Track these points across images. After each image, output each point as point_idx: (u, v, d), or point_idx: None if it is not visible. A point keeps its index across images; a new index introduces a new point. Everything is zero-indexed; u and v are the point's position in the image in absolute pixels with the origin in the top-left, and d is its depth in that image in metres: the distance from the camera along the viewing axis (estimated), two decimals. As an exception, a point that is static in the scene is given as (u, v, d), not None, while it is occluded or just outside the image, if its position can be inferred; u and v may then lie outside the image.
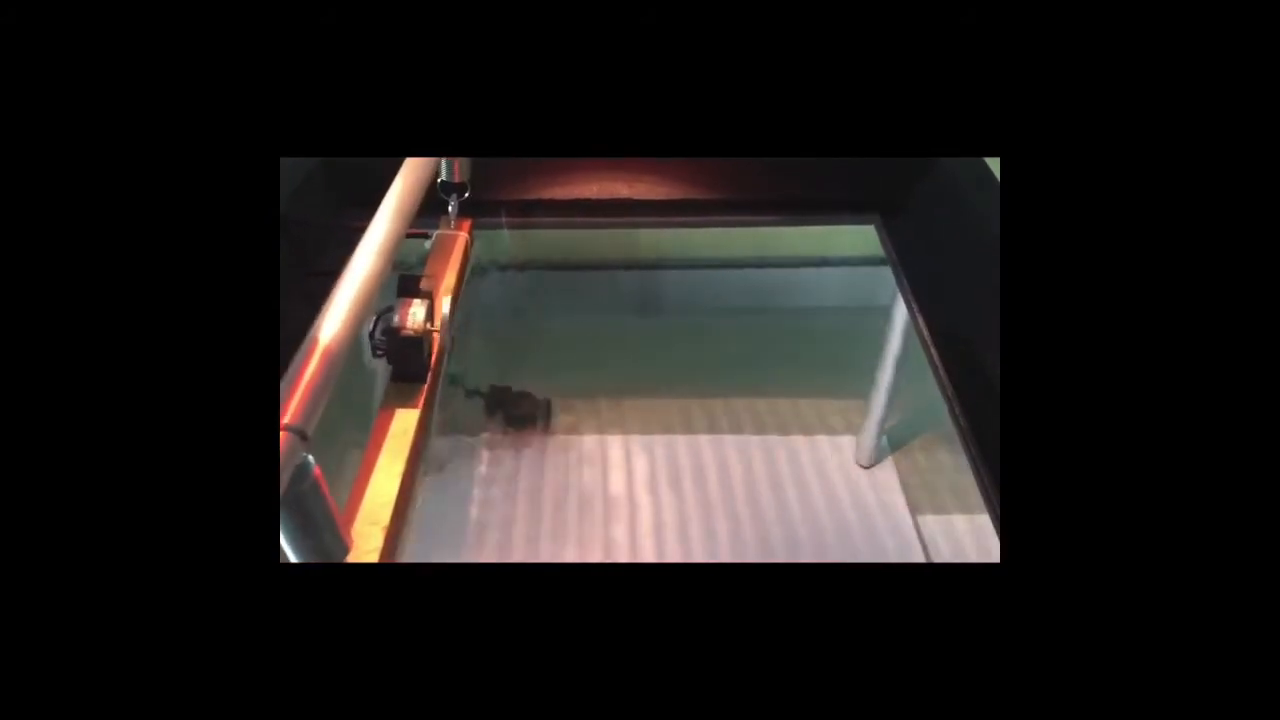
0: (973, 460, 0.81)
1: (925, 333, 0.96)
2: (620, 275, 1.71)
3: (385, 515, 0.73)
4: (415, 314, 0.81)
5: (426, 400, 0.85)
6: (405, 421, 0.81)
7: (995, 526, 0.74)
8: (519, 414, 1.64)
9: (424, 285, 0.84)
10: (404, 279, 0.84)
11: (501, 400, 1.64)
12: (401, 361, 0.83)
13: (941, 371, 0.90)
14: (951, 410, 0.86)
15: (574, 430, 1.62)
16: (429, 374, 0.86)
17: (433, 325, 0.85)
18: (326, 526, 0.62)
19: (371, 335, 0.82)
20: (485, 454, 1.54)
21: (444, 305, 0.92)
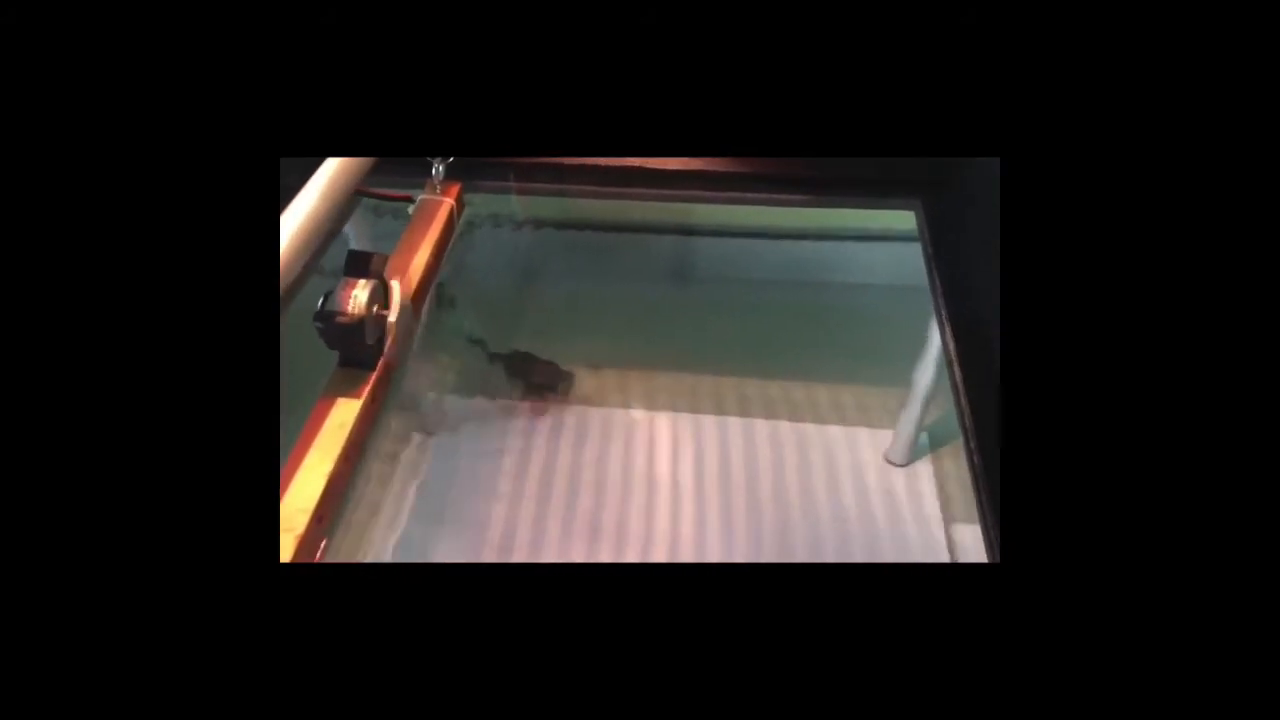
0: (972, 468, 0.73)
1: (948, 332, 0.85)
2: (651, 240, 1.62)
3: (300, 522, 0.68)
4: (358, 297, 0.74)
5: (374, 391, 0.78)
6: (344, 413, 0.75)
7: (984, 537, 0.66)
8: (541, 381, 1.58)
9: (376, 264, 0.77)
10: (353, 256, 0.77)
11: (524, 366, 1.59)
12: (342, 348, 0.76)
13: (957, 372, 0.80)
14: (960, 417, 0.78)
15: (597, 401, 1.55)
16: (380, 362, 0.80)
17: (383, 308, 0.78)
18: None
19: (315, 316, 0.76)
20: (503, 419, 1.49)
21: (404, 285, 0.85)
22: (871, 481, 1.42)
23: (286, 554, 0.66)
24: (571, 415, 1.51)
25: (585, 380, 1.58)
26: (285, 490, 0.70)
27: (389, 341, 0.80)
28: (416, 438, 1.39)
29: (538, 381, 1.60)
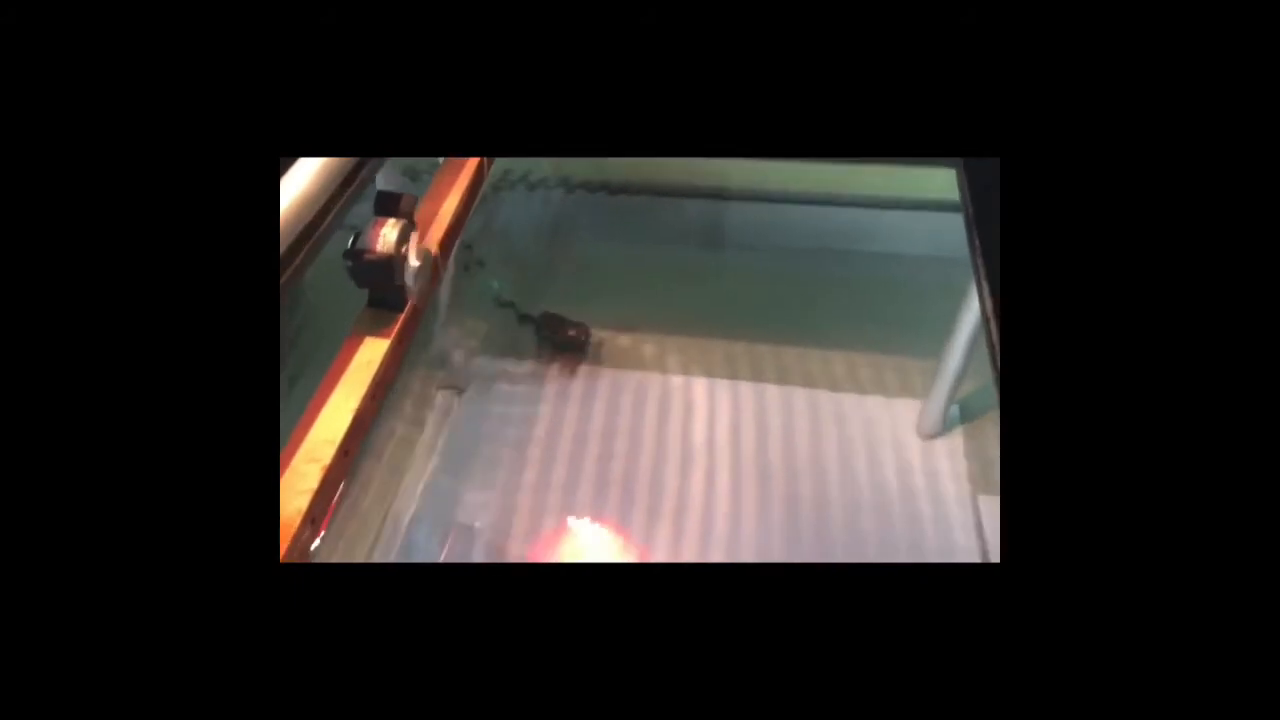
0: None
1: (986, 290, 0.83)
2: (683, 204, 1.60)
3: (327, 453, 0.69)
4: (386, 235, 0.74)
5: (401, 331, 0.79)
6: (371, 352, 0.76)
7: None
8: (571, 343, 1.58)
9: (406, 204, 0.77)
10: (382, 196, 0.77)
11: (554, 328, 1.59)
12: (371, 286, 0.77)
13: (994, 332, 0.78)
14: (996, 378, 0.76)
15: (629, 365, 1.54)
16: (408, 303, 0.80)
17: (410, 250, 0.78)
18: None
19: (345, 253, 0.76)
20: (532, 381, 1.50)
21: (433, 228, 0.85)
22: (901, 452, 1.39)
23: (312, 484, 0.67)
24: (603, 378, 1.51)
25: (617, 344, 1.58)
26: (312, 424, 0.71)
27: (417, 283, 0.80)
28: (445, 395, 1.39)
29: (568, 343, 1.60)
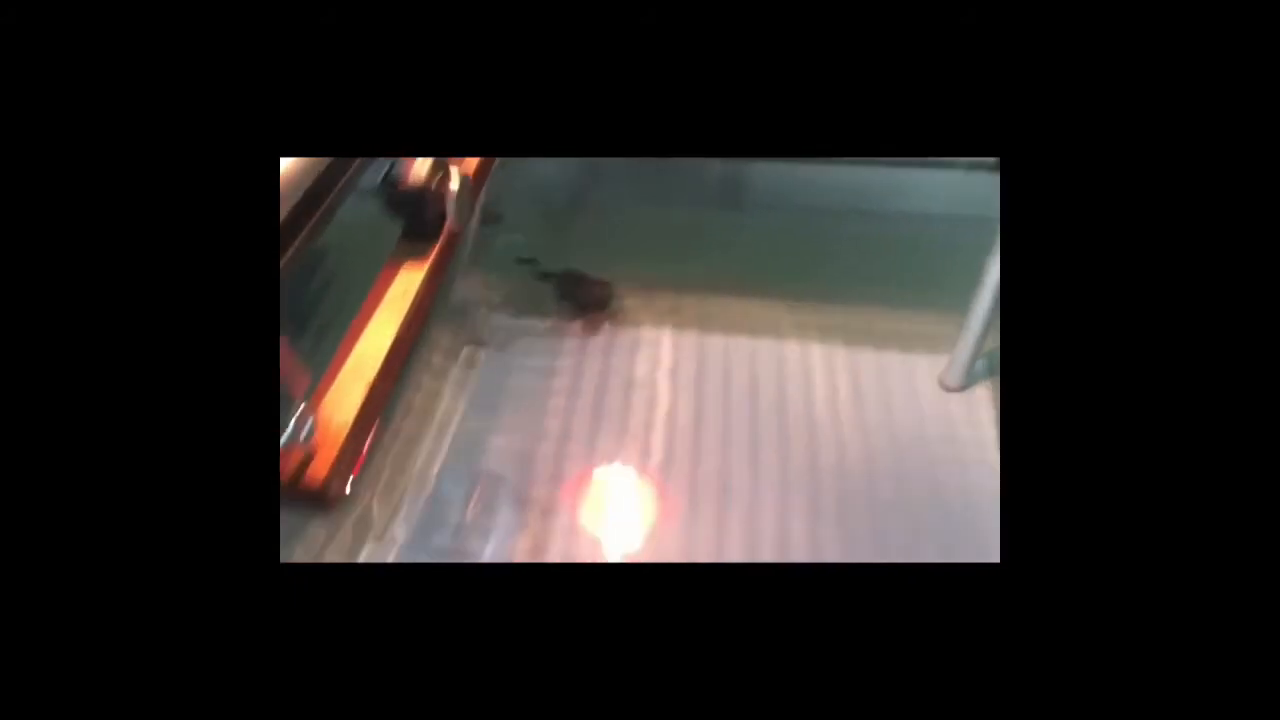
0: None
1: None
2: (705, 162, 1.59)
3: (371, 370, 0.70)
4: (420, 167, 0.74)
5: (437, 259, 0.80)
6: (407, 281, 0.77)
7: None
8: (593, 302, 1.59)
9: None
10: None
11: (576, 286, 1.59)
12: (406, 216, 0.77)
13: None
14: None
15: (649, 324, 1.55)
16: (442, 235, 0.80)
17: (444, 179, 0.79)
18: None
19: (380, 185, 0.77)
20: (552, 338, 1.50)
21: (465, 159, 0.85)
22: (926, 406, 1.40)
23: (357, 399, 0.68)
24: (624, 335, 1.52)
25: (637, 301, 1.58)
26: (354, 344, 0.72)
27: (455, 207, 0.80)
28: (470, 350, 1.40)
29: (589, 301, 1.60)
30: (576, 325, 1.53)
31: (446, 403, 1.34)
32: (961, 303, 1.33)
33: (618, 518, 1.19)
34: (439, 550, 1.10)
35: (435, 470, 1.24)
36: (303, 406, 0.62)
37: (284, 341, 0.59)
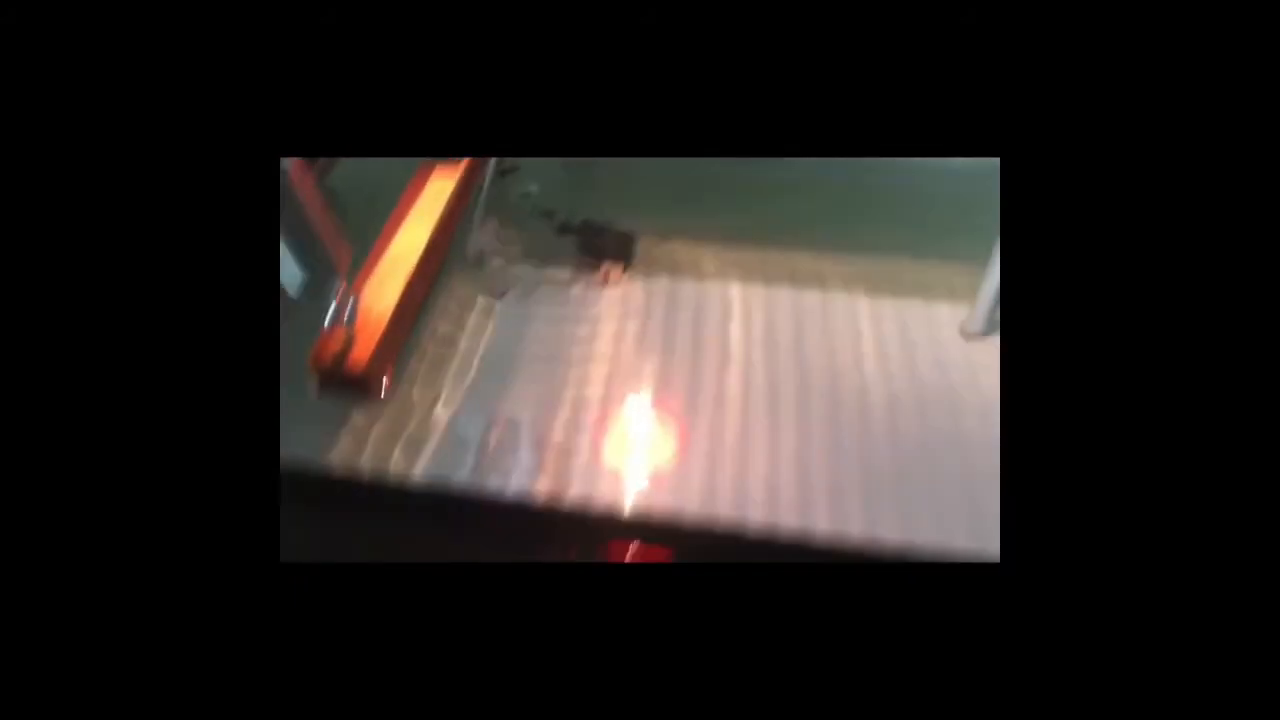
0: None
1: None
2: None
3: (411, 261, 0.69)
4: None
5: (466, 175, 0.79)
6: (439, 188, 0.76)
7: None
8: (612, 252, 1.58)
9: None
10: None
11: (595, 236, 1.58)
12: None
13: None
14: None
15: (669, 273, 1.54)
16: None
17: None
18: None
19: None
20: (573, 289, 1.49)
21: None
22: (948, 353, 1.39)
23: (396, 291, 0.67)
24: (640, 284, 1.51)
25: (655, 251, 1.57)
26: (390, 241, 0.71)
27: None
28: (487, 299, 1.39)
29: (607, 251, 1.59)
30: (594, 274, 1.52)
31: (464, 349, 1.33)
32: (983, 252, 1.32)
33: (638, 462, 1.18)
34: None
35: (452, 413, 1.23)
36: (345, 285, 0.62)
37: (329, 214, 0.58)
